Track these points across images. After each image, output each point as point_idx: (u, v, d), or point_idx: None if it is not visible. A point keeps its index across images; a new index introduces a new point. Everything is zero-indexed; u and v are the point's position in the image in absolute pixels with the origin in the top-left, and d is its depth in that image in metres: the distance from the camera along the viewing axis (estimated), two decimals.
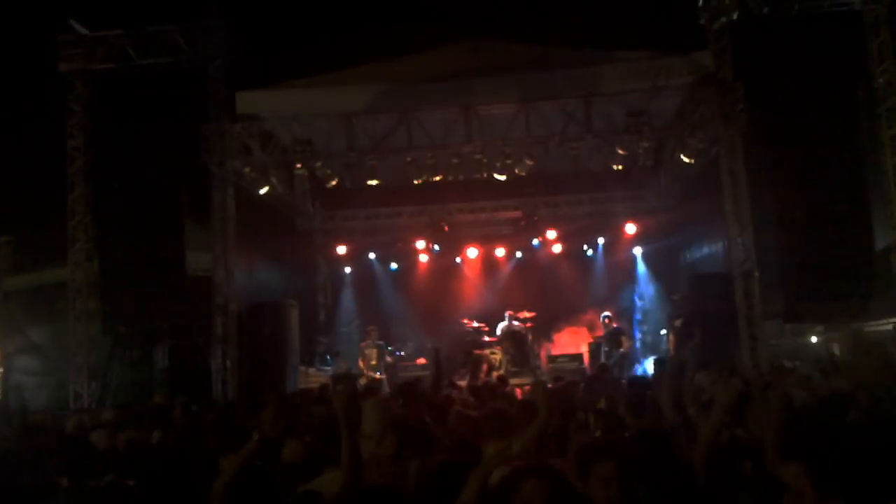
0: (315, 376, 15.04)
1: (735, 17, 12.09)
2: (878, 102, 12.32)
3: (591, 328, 16.63)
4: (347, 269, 18.54)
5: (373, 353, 16.01)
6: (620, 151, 12.92)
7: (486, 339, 16.08)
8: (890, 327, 12.61)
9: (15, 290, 15.11)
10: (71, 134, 13.37)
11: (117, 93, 13.23)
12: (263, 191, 13.39)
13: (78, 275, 13.41)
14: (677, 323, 14.60)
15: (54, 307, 14.04)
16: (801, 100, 12.33)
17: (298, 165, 13.02)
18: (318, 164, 12.98)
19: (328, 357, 16.26)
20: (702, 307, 13.23)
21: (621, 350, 15.28)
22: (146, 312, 13.39)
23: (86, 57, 13.15)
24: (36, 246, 14.69)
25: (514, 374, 14.32)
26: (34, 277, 15.07)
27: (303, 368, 15.02)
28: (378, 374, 15.42)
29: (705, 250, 15.87)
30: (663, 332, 16.02)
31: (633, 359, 16.00)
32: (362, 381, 15.13)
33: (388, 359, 16.15)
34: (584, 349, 16.07)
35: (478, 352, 15.40)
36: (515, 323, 16.26)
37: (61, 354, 13.75)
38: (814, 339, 14.25)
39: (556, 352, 16.53)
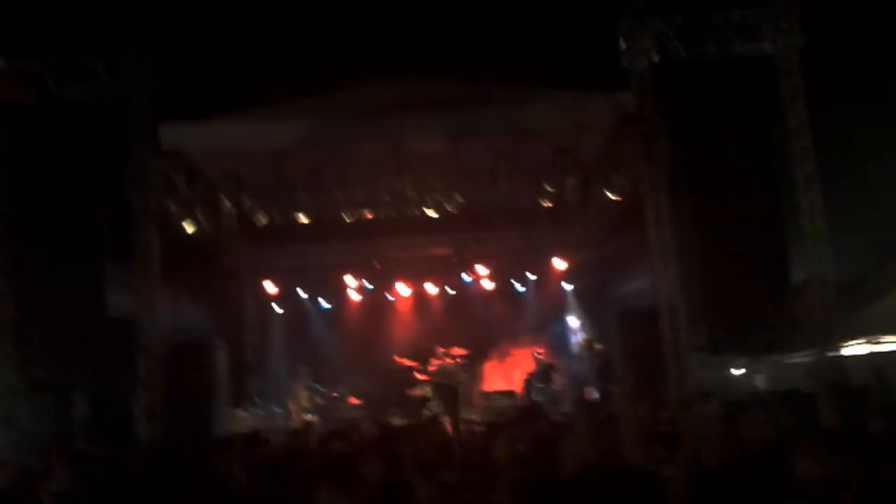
0: (245, 419, 14.68)
1: (655, 59, 12.48)
2: (791, 142, 12.83)
3: (522, 364, 16.71)
4: (277, 308, 18.21)
5: (303, 394, 15.75)
6: (548, 188, 13.14)
7: (418, 376, 15.98)
8: (806, 360, 13.04)
9: None
10: None
11: (35, 126, 12.77)
12: (189, 228, 13.11)
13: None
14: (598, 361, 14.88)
15: None
16: (720, 139, 12.76)
17: (226, 202, 12.81)
18: (246, 200, 12.81)
19: (257, 399, 15.90)
20: (630, 341, 13.45)
21: (553, 386, 15.39)
22: (65, 356, 12.80)
23: (1, 89, 12.71)
24: None
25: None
26: None
27: (232, 411, 14.63)
28: (309, 416, 15.15)
29: (633, 285, 16.17)
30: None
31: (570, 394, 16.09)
32: (295, 425, 14.89)
33: (319, 399, 15.91)
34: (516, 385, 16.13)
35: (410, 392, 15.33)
36: (447, 360, 16.24)
37: None
38: (737, 372, 14.62)
39: (488, 388, 16.53)
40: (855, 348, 13.78)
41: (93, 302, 12.81)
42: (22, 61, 12.71)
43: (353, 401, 16.07)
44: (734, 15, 12.50)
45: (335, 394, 16.39)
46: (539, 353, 15.92)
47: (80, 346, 12.69)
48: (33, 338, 12.88)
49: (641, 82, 12.48)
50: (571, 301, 18.03)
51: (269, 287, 17.74)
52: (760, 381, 14.28)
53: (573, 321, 17.79)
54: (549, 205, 13.84)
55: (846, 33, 14.32)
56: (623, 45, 12.43)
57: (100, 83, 12.47)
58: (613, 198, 13.83)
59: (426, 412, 15.14)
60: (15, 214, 12.86)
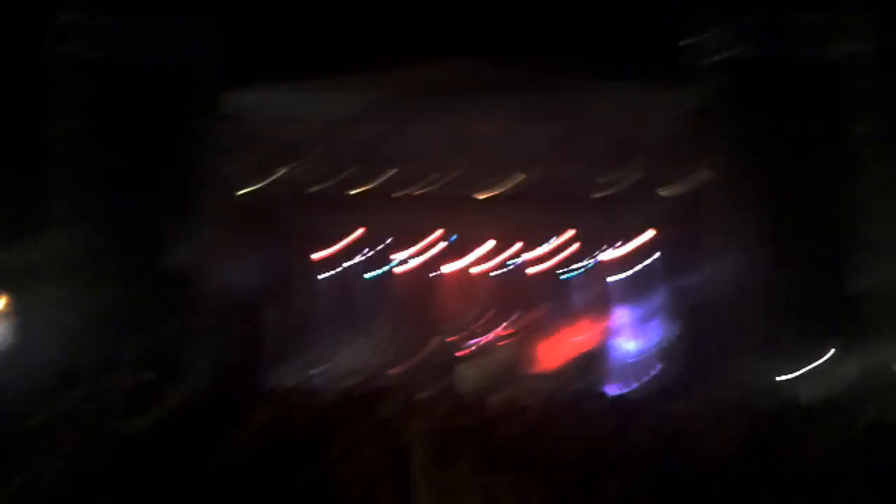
0: (289, 375, 15.01)
1: (723, 56, 12.19)
2: (862, 149, 12.41)
3: (569, 349, 16.63)
4: (326, 274, 18.48)
5: (345, 358, 16.03)
6: (604, 180, 12.98)
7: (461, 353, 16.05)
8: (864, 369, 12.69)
9: None
10: (55, 119, 13.16)
11: (102, 81, 13.13)
12: (245, 190, 13.38)
13: (53, 258, 13.25)
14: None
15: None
16: (785, 142, 12.42)
17: (283, 168, 13.02)
18: (303, 167, 13.00)
19: (303, 359, 16.22)
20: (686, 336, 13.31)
21: (595, 374, 15.34)
22: (120, 304, 13.29)
23: (73, 43, 13.00)
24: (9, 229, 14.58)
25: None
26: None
27: (276, 370, 14.99)
28: (350, 380, 15.45)
29: (692, 281, 15.90)
30: None
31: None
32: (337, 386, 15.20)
33: (362, 365, 16.16)
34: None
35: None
36: (492, 338, 16.28)
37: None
38: (792, 376, 14.33)
39: (532, 370, 16.53)
40: None
41: (150, 255, 13.24)
42: (95, 18, 13.04)
43: (396, 370, 16.28)
44: (807, 17, 12.21)
45: (378, 360, 16.62)
46: (587, 338, 15.84)
47: (136, 296, 13.16)
48: (92, 285, 13.37)
49: (709, 78, 12.22)
50: (626, 292, 17.80)
51: (321, 253, 17.98)
52: (811, 389, 13.96)
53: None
54: (608, 194, 13.64)
55: None
56: (693, 41, 12.13)
57: (167, 46, 12.76)
58: (674, 192, 13.58)
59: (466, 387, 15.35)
60: (81, 164, 13.29)
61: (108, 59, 12.96)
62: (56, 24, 12.99)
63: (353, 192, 13.18)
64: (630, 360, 16.75)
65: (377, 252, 17.80)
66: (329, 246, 17.86)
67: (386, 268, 17.89)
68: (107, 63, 12.98)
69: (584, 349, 15.89)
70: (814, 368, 13.54)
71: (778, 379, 14.08)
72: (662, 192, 14.14)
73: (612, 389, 15.55)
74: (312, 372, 15.95)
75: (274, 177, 13.77)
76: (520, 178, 12.89)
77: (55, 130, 13.17)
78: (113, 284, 13.29)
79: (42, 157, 13.21)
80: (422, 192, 13.18)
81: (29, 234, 13.53)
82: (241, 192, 13.38)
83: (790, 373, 14.10)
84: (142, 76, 12.73)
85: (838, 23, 12.25)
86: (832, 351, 12.94)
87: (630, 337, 16.93)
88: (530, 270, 17.66)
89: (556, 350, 16.99)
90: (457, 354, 15.85)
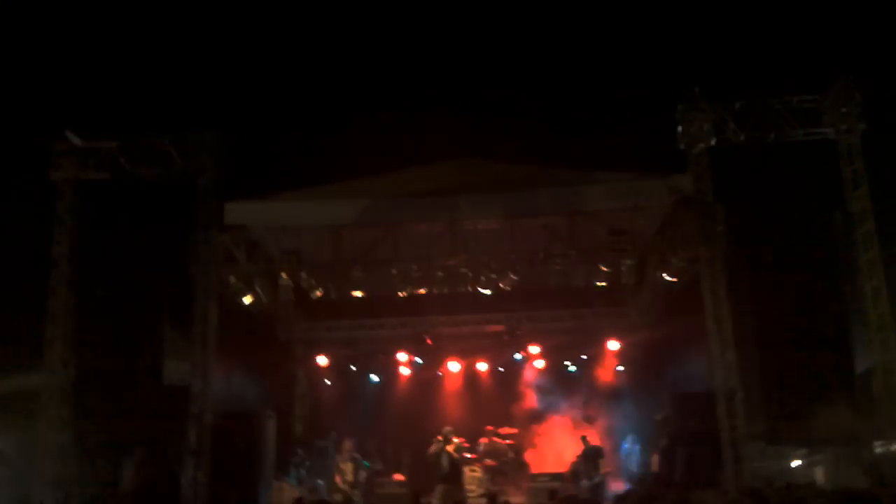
0: (289, 490, 14.59)
1: (713, 142, 12.49)
2: (854, 227, 12.59)
3: (572, 447, 16.35)
4: (327, 381, 18.26)
5: (348, 467, 15.66)
6: (603, 269, 13.10)
7: (467, 455, 15.74)
8: (876, 451, 12.50)
9: None
10: (58, 241, 13.19)
11: (106, 201, 13.29)
12: (247, 300, 13.36)
13: (53, 381, 13.06)
14: (662, 442, 14.43)
15: (23, 415, 13.61)
16: (780, 223, 12.63)
17: (284, 275, 13.05)
18: (304, 274, 13.03)
19: (302, 471, 15.82)
20: (685, 427, 13.10)
21: (599, 472, 15.03)
22: (119, 422, 13.01)
23: (78, 166, 13.19)
24: (9, 352, 14.37)
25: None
26: (5, 383, 14.68)
27: (276, 483, 14.57)
28: (351, 489, 15.06)
29: (687, 369, 15.83)
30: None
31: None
32: (337, 498, 14.77)
33: (364, 473, 15.79)
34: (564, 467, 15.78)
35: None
36: (496, 440, 16.02)
37: (27, 464, 13.23)
38: (796, 464, 14.06)
39: (536, 470, 16.19)
40: None
41: (151, 370, 13.08)
42: (99, 141, 13.28)
43: (398, 477, 15.89)
44: (793, 100, 12.45)
45: (380, 468, 16.24)
46: (588, 437, 15.61)
47: (136, 412, 12.90)
48: (91, 404, 13.12)
49: (699, 165, 12.45)
50: (624, 383, 17.67)
51: (321, 359, 17.83)
52: (820, 474, 13.69)
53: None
54: (604, 285, 13.73)
55: None
56: (680, 129, 12.46)
57: (171, 163, 12.97)
58: (669, 279, 13.68)
59: (472, 491, 14.96)
60: (82, 284, 13.27)
61: (110, 179, 13.13)
62: (59, 149, 13.19)
63: (355, 294, 13.14)
64: (632, 456, 16.51)
65: (380, 355, 17.72)
66: (332, 351, 17.77)
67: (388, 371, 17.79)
68: (108, 183, 13.15)
69: (588, 447, 15.62)
70: (823, 452, 13.37)
71: (792, 465, 13.88)
72: (658, 280, 14.27)
73: (618, 485, 15.26)
74: (314, 483, 15.55)
75: (275, 284, 13.78)
76: (519, 272, 12.96)
77: (58, 253, 13.19)
78: (113, 404, 13.04)
79: (44, 280, 13.21)
80: (423, 291, 13.18)
81: (31, 357, 13.34)
82: (245, 301, 13.32)
83: (801, 458, 13.90)
84: (144, 194, 12.89)
85: (827, 104, 12.44)
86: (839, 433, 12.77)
87: (631, 431, 16.74)
88: (534, 366, 17.60)
89: (561, 448, 16.72)
90: (463, 456, 15.52)
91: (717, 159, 12.38)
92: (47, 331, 13.08)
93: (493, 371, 18.06)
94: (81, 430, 13.14)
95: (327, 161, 14.07)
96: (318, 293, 13.46)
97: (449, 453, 14.74)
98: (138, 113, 13.89)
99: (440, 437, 14.97)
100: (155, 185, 12.94)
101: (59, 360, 13.10)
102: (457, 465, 14.82)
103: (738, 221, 12.37)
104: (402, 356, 17.53)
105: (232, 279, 13.04)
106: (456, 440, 15.24)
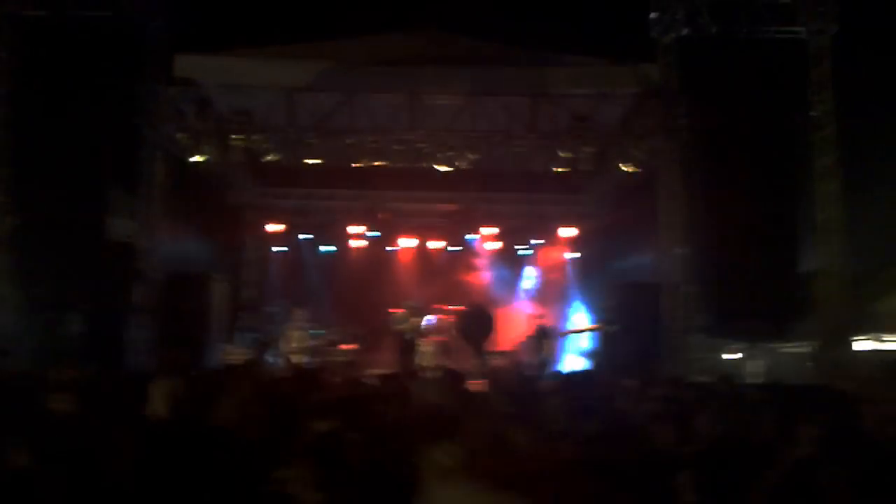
0: (235, 353, 14.68)
1: (684, 33, 12.18)
2: (813, 131, 12.57)
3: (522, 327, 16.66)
4: (276, 248, 18.14)
5: (296, 335, 15.74)
6: (562, 154, 12.96)
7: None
8: (806, 350, 12.94)
9: None
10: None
11: (48, 42, 12.48)
12: (195, 159, 12.96)
13: None
14: (608, 329, 14.77)
15: None
16: (742, 121, 12.52)
17: (235, 136, 12.65)
18: (256, 136, 12.65)
19: (248, 335, 15.89)
20: (631, 315, 13.37)
21: (543, 351, 15.37)
22: (62, 276, 12.74)
23: (19, 1, 12.39)
24: None
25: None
26: None
27: (224, 345, 14.64)
28: (300, 356, 15.18)
29: (635, 260, 16.03)
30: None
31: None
32: (283, 363, 14.91)
33: (312, 342, 15.90)
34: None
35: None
36: (443, 317, 16.19)
37: None
38: (732, 357, 14.52)
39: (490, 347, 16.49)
40: (859, 344, 13.65)
41: (93, 224, 12.70)
42: None
43: (346, 346, 16.07)
44: None
45: (329, 338, 16.39)
46: (540, 318, 15.86)
47: (79, 267, 12.62)
48: (32, 254, 12.82)
49: (668, 55, 12.24)
50: (576, 271, 17.91)
51: (271, 226, 17.63)
52: (754, 368, 14.18)
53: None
54: (562, 171, 13.63)
55: (881, 24, 13.92)
56: (653, 16, 12.11)
57: (119, 7, 12.17)
58: (628, 170, 13.62)
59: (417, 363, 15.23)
60: (20, 128, 12.67)
61: (52, 18, 12.32)
62: None
63: (308, 162, 12.84)
64: (579, 340, 16.89)
65: (332, 225, 17.56)
66: (283, 218, 17.56)
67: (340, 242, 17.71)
68: (52, 23, 12.35)
69: (536, 327, 15.90)
70: (760, 348, 13.79)
71: (724, 357, 14.32)
72: (616, 170, 14.20)
73: (562, 367, 15.68)
74: (263, 348, 15.66)
75: (226, 145, 13.35)
76: (478, 151, 12.75)
77: None
78: (55, 257, 12.73)
79: None
80: (379, 164, 12.93)
81: None
82: (193, 160, 12.92)
83: (737, 352, 14.35)
84: (89, 37, 12.14)
85: (803, 2, 12.23)
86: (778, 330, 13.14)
87: (579, 316, 17.08)
88: (487, 247, 17.68)
89: (510, 328, 17.04)
90: (414, 331, 15.70)
91: (687, 54, 12.15)
92: None
93: (445, 250, 18.10)
94: (23, 281, 12.93)
95: (289, 20, 13.37)
96: (270, 158, 13.11)
97: (412, 325, 14.87)
98: None
99: (404, 310, 15.04)
100: (102, 29, 12.18)
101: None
102: (412, 339, 15.00)
103: (701, 116, 12.26)
104: (354, 229, 17.41)
105: (180, 136, 12.56)
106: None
